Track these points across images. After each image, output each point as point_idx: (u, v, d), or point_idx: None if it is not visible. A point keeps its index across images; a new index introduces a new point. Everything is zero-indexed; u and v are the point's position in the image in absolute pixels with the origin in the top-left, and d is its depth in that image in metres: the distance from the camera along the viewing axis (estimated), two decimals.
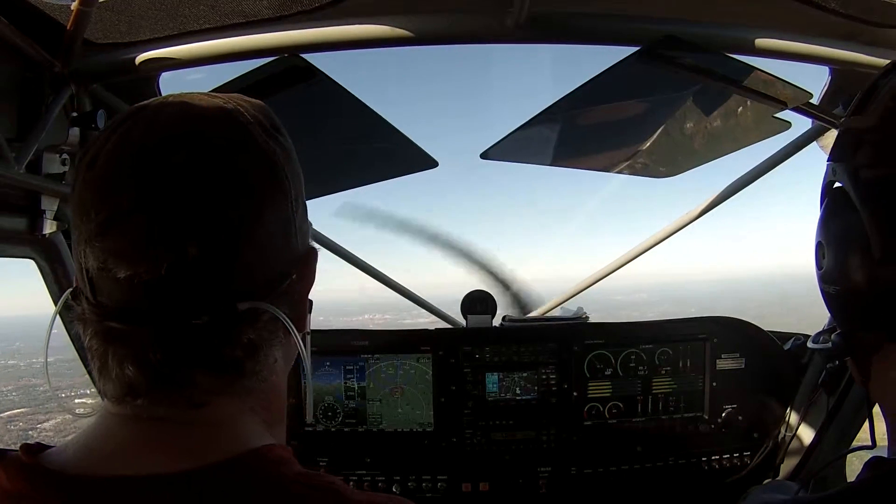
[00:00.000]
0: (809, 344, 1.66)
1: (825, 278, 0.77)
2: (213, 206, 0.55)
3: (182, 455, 0.55)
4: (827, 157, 0.81)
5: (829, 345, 0.80)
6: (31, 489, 0.53)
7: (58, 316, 0.70)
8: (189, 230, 0.54)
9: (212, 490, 0.53)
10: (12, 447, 0.61)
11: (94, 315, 0.55)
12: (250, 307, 0.58)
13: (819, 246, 0.78)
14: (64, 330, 1.58)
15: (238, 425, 0.60)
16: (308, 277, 0.66)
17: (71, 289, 0.60)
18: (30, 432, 10.05)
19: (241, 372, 0.59)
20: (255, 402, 0.62)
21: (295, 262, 0.64)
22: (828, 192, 0.79)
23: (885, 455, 0.73)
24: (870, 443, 0.91)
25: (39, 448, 0.58)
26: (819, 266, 0.78)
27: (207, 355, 0.56)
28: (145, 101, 0.61)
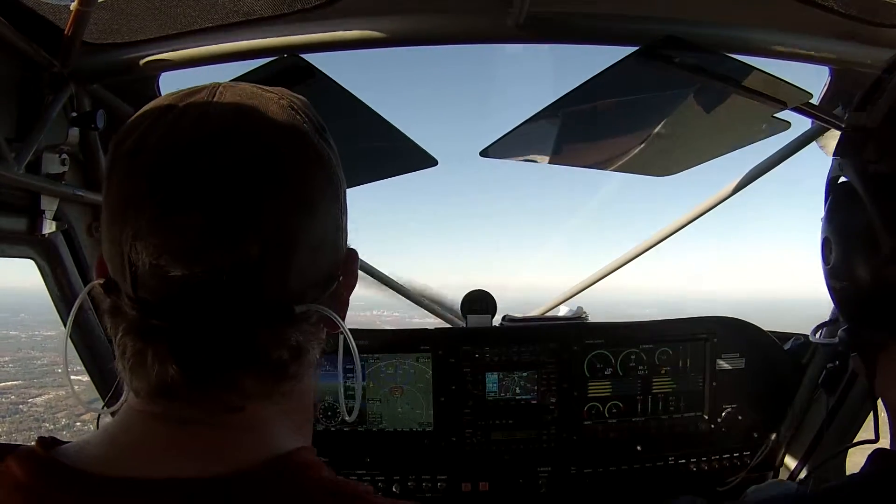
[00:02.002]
0: (812, 337, 1.67)
1: (832, 274, 0.77)
2: (273, 205, 0.53)
3: (210, 459, 0.53)
4: (832, 154, 0.81)
5: (835, 340, 0.80)
6: (45, 484, 0.51)
7: (52, 305, 0.69)
8: (249, 230, 0.52)
9: (240, 496, 0.51)
10: None
11: (135, 311, 0.53)
12: (306, 310, 0.57)
13: (826, 241, 0.77)
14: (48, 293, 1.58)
15: (270, 429, 0.58)
16: (352, 279, 0.65)
17: (101, 280, 0.57)
18: (20, 406, 9.96)
19: (284, 374, 0.57)
20: (289, 404, 0.61)
21: (340, 263, 0.63)
22: (833, 188, 0.78)
23: (888, 449, 0.73)
24: (871, 438, 0.92)
25: (54, 442, 0.56)
26: (826, 262, 0.78)
27: (255, 357, 0.55)
28: (191, 89, 0.58)
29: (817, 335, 1.10)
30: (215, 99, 0.56)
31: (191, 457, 0.53)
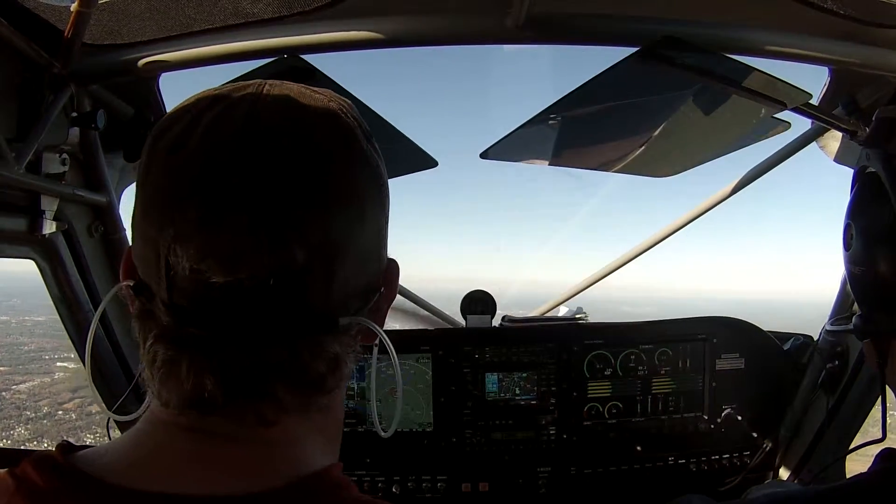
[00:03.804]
0: (827, 326, 1.67)
1: (852, 259, 0.79)
2: (322, 210, 0.51)
3: (240, 476, 0.51)
4: (834, 154, 0.84)
5: (850, 326, 0.82)
6: (64, 492, 0.49)
7: (50, 300, 0.68)
8: (297, 235, 0.49)
9: None
10: None
11: (170, 318, 0.50)
12: (349, 322, 0.55)
13: (848, 227, 0.80)
14: (46, 289, 1.58)
15: (302, 446, 0.56)
16: (392, 291, 0.63)
17: (130, 282, 0.53)
18: (2, 393, 9.71)
19: (321, 387, 0.55)
20: (323, 419, 0.59)
21: (382, 274, 0.61)
22: (860, 177, 0.81)
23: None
24: (874, 438, 0.91)
25: (72, 448, 0.54)
26: (847, 247, 0.80)
27: (294, 369, 0.52)
28: (235, 85, 0.55)
29: (833, 324, 1.12)
30: (262, 96, 0.53)
31: (218, 473, 0.51)
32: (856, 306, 0.95)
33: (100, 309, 0.67)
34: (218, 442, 0.53)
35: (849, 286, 0.84)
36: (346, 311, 0.55)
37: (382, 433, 0.67)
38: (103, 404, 0.69)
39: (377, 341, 0.62)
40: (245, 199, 0.48)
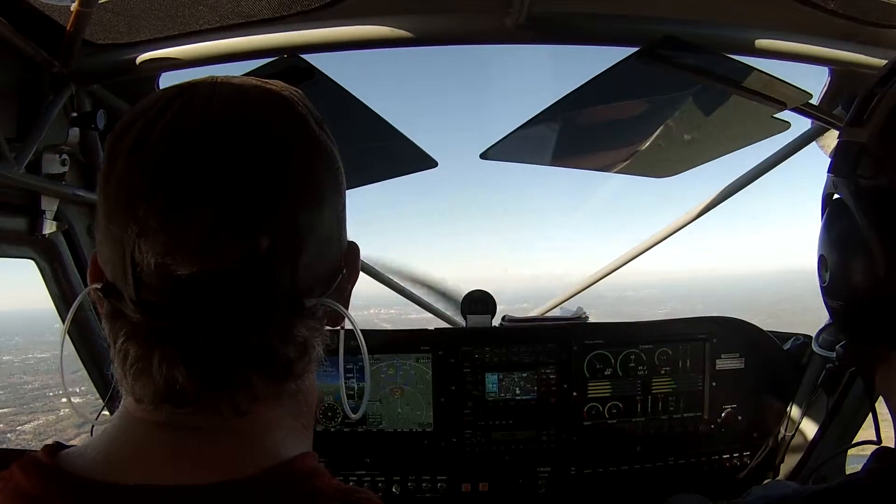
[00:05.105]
0: (814, 347, 1.65)
1: (829, 293, 0.75)
2: (283, 197, 0.52)
3: (214, 466, 0.52)
4: (829, 157, 0.79)
5: (833, 354, 0.79)
6: (47, 491, 0.50)
7: (55, 312, 0.68)
8: (260, 223, 0.50)
9: None
10: None
11: (139, 315, 0.50)
12: (315, 304, 0.56)
13: (822, 259, 0.76)
14: (47, 296, 1.57)
15: (274, 434, 0.57)
16: (354, 273, 0.65)
17: (97, 285, 0.54)
18: (8, 434, 9.68)
19: (290, 373, 0.56)
20: (294, 406, 0.60)
21: (342, 256, 0.62)
22: (828, 204, 0.76)
23: (891, 448, 0.73)
24: (870, 439, 0.91)
25: (59, 448, 0.55)
26: (822, 280, 0.76)
27: (264, 355, 0.53)
28: (190, 81, 0.57)
29: (819, 341, 1.09)
30: (217, 90, 0.55)
31: (193, 465, 0.52)
32: None
33: (69, 315, 0.68)
34: (193, 434, 0.53)
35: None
36: (312, 294, 0.56)
37: (351, 414, 0.68)
38: (78, 411, 0.69)
39: (343, 325, 0.64)
40: (207, 191, 0.49)
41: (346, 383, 1.81)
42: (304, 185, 0.55)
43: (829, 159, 0.75)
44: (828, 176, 0.75)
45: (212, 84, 0.55)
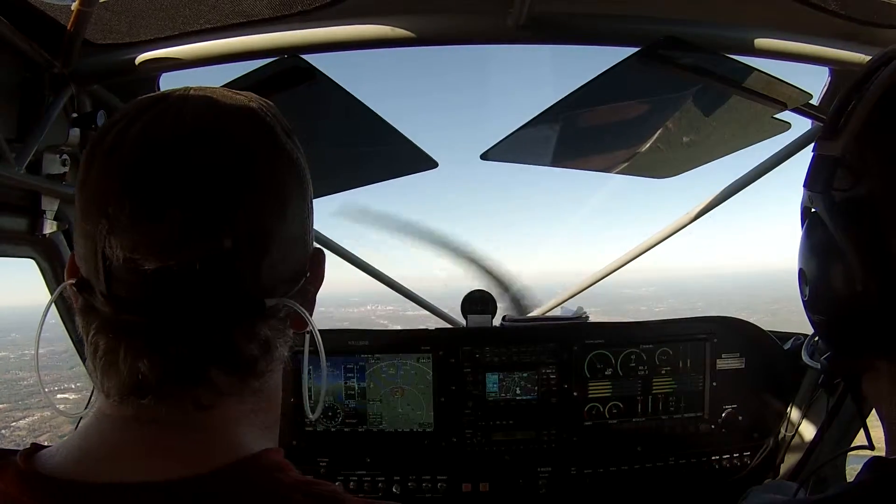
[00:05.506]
0: (804, 357, 1.65)
1: (810, 307, 0.75)
2: (247, 202, 0.56)
3: (179, 461, 0.54)
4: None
5: (819, 367, 0.79)
6: (22, 495, 0.52)
7: (54, 307, 0.69)
8: (225, 225, 0.54)
9: (208, 499, 0.52)
10: None
11: (108, 308, 0.54)
12: (276, 304, 0.59)
13: (801, 273, 0.75)
14: (60, 321, 1.58)
15: (238, 429, 0.59)
16: (319, 277, 0.67)
17: (73, 280, 0.57)
18: (2, 431, 9.73)
19: (253, 371, 0.59)
20: (257, 403, 0.62)
21: (307, 261, 0.65)
22: (806, 216, 0.75)
23: (884, 457, 0.73)
24: (872, 440, 0.91)
25: (36, 450, 0.57)
26: (802, 294, 0.76)
27: (227, 352, 0.56)
28: (164, 92, 0.61)
29: (808, 351, 1.08)
30: (189, 101, 0.58)
31: (158, 459, 0.54)
32: None
33: (45, 309, 0.70)
34: (157, 429, 0.55)
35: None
36: (274, 294, 0.59)
37: (310, 414, 0.71)
38: (57, 407, 0.71)
39: (308, 329, 0.66)
40: (177, 193, 0.53)
41: (346, 383, 1.81)
42: (267, 191, 0.58)
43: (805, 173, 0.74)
44: (803, 189, 0.74)
45: (184, 96, 0.59)
